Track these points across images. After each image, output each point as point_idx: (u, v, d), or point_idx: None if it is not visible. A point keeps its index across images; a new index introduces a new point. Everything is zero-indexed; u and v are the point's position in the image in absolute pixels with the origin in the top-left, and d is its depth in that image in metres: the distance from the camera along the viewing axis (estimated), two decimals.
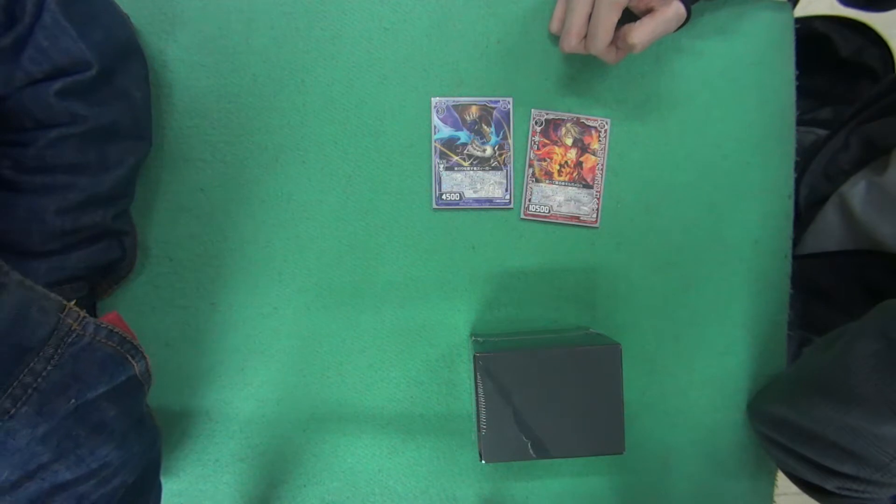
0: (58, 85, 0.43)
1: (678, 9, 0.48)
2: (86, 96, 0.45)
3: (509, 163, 0.56)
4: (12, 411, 0.33)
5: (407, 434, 0.57)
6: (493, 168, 0.56)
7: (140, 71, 0.51)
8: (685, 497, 0.59)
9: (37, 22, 0.41)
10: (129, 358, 0.40)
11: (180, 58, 0.54)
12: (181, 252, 0.55)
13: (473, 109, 0.55)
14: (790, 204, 0.58)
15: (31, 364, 0.34)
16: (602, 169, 0.56)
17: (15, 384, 0.33)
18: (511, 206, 0.56)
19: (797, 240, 0.63)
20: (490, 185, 0.56)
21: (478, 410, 0.46)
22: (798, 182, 0.62)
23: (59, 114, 0.44)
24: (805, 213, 0.64)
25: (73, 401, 0.35)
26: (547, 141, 0.56)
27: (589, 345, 0.46)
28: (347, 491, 0.57)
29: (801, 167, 0.63)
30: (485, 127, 0.55)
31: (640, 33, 0.47)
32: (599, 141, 0.56)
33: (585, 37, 0.49)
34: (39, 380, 0.34)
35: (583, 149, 0.56)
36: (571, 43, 0.49)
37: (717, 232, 0.57)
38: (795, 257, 0.60)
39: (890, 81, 0.61)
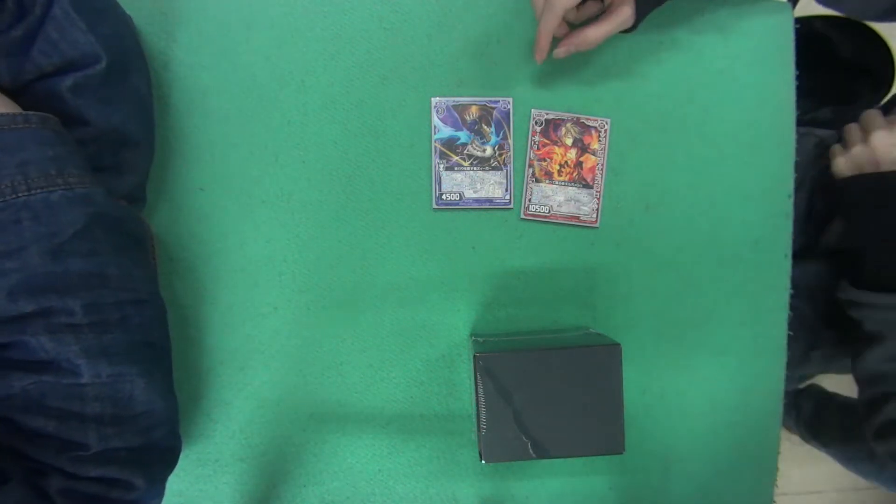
0: (69, 81, 0.43)
1: (628, 13, 0.50)
2: (98, 93, 0.45)
3: (509, 163, 0.56)
4: None
5: (407, 434, 0.57)
6: (493, 168, 0.56)
7: (145, 73, 0.51)
8: (685, 497, 0.59)
9: (47, 14, 0.42)
10: None
11: (180, 58, 0.54)
12: (181, 252, 0.55)
13: (473, 109, 0.55)
14: (790, 204, 0.58)
15: None
16: (602, 169, 0.56)
17: None
18: (511, 206, 0.56)
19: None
20: (490, 185, 0.56)
21: (478, 410, 0.46)
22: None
23: (72, 113, 0.44)
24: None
25: None
26: (547, 141, 0.56)
27: (589, 345, 0.46)
28: (347, 491, 0.57)
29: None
30: (485, 127, 0.55)
31: (596, 32, 0.50)
32: (599, 141, 0.56)
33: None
34: None
35: (583, 149, 0.56)
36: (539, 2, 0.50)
37: (717, 232, 0.57)
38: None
39: None
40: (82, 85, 0.44)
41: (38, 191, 0.38)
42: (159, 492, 0.46)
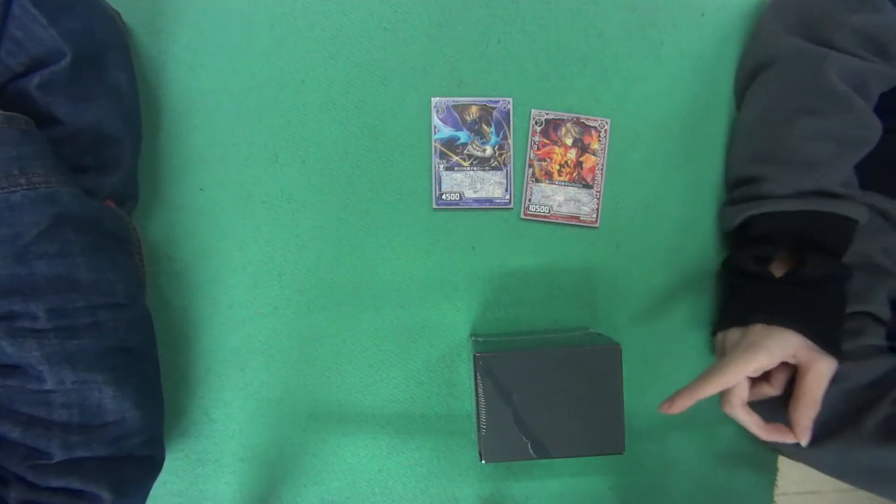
0: (36, 79, 0.42)
1: (825, 366, 0.45)
2: (67, 90, 0.44)
3: (509, 163, 0.56)
4: None
5: (407, 434, 0.57)
6: (493, 168, 0.56)
7: (125, 68, 0.50)
8: (685, 497, 0.59)
9: (8, 13, 0.41)
10: None
11: (180, 58, 0.54)
12: (181, 252, 0.55)
13: (473, 109, 0.55)
14: None
15: None
16: (602, 169, 0.56)
17: None
18: (511, 206, 0.56)
19: None
20: (490, 185, 0.56)
21: (478, 410, 0.46)
22: None
23: (43, 112, 0.43)
24: None
25: None
26: (547, 141, 0.56)
27: (589, 345, 0.46)
28: (347, 491, 0.57)
29: None
30: (485, 127, 0.55)
31: (804, 417, 0.45)
32: (599, 141, 0.56)
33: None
34: None
35: (583, 149, 0.56)
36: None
37: (717, 231, 0.57)
38: None
39: None
40: (49, 82, 0.43)
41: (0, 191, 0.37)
42: (135, 503, 0.45)
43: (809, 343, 0.45)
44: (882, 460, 0.46)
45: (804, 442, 0.45)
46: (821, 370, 0.45)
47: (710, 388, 0.46)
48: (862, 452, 0.47)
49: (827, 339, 0.45)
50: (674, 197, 0.57)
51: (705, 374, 0.47)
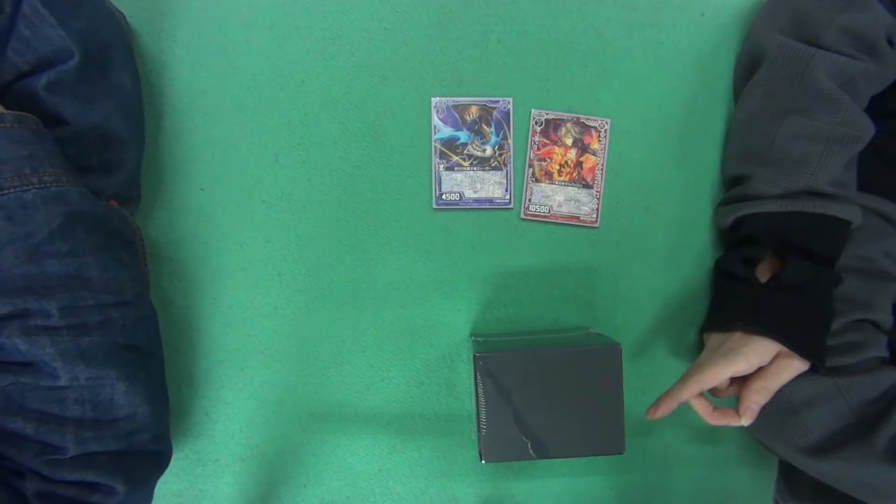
0: (44, 79, 0.42)
1: (803, 364, 0.46)
2: (74, 91, 0.44)
3: (509, 163, 0.56)
4: None
5: (407, 434, 0.57)
6: (493, 168, 0.56)
7: (130, 69, 0.50)
8: (685, 497, 0.59)
9: (17, 11, 0.41)
10: None
11: (180, 57, 0.54)
12: (181, 252, 0.55)
13: (473, 109, 0.55)
14: None
15: None
16: (602, 169, 0.56)
17: None
18: (511, 206, 0.56)
19: None
20: (490, 185, 0.56)
21: (478, 410, 0.46)
22: None
23: (50, 112, 0.43)
24: None
25: None
26: (547, 141, 0.56)
27: (589, 345, 0.46)
28: (347, 491, 0.57)
29: None
30: (485, 127, 0.55)
31: (751, 399, 0.46)
32: (599, 141, 0.56)
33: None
34: None
35: (583, 149, 0.56)
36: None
37: (717, 231, 0.57)
38: None
39: None
40: (56, 82, 0.43)
41: (12, 190, 0.38)
42: (145, 496, 0.46)
43: (787, 350, 0.46)
44: (888, 479, 0.46)
45: (746, 421, 0.46)
46: (790, 365, 0.46)
47: (689, 392, 0.47)
48: (867, 469, 0.47)
49: (806, 347, 0.46)
50: (673, 197, 0.57)
51: (684, 379, 0.48)
